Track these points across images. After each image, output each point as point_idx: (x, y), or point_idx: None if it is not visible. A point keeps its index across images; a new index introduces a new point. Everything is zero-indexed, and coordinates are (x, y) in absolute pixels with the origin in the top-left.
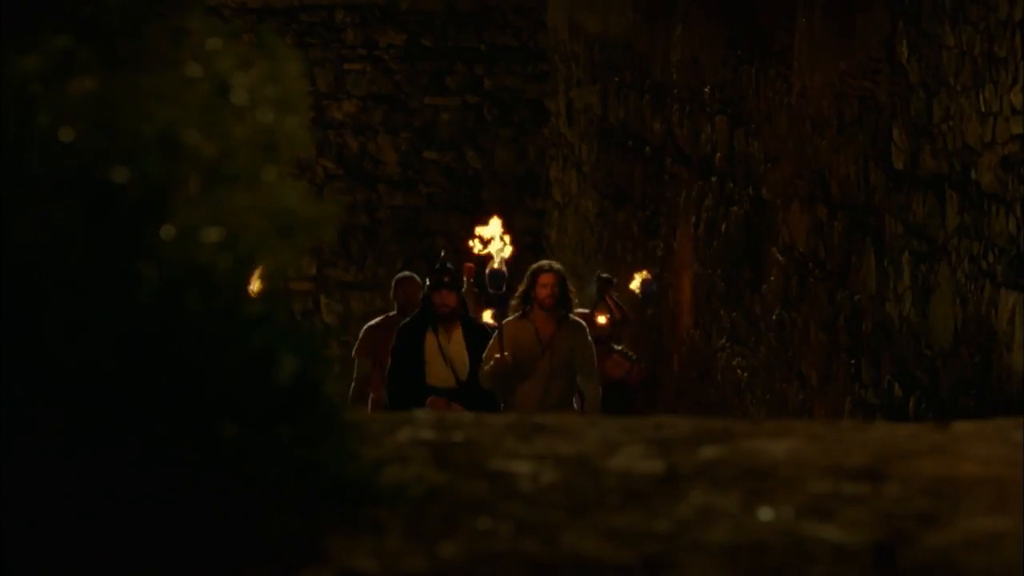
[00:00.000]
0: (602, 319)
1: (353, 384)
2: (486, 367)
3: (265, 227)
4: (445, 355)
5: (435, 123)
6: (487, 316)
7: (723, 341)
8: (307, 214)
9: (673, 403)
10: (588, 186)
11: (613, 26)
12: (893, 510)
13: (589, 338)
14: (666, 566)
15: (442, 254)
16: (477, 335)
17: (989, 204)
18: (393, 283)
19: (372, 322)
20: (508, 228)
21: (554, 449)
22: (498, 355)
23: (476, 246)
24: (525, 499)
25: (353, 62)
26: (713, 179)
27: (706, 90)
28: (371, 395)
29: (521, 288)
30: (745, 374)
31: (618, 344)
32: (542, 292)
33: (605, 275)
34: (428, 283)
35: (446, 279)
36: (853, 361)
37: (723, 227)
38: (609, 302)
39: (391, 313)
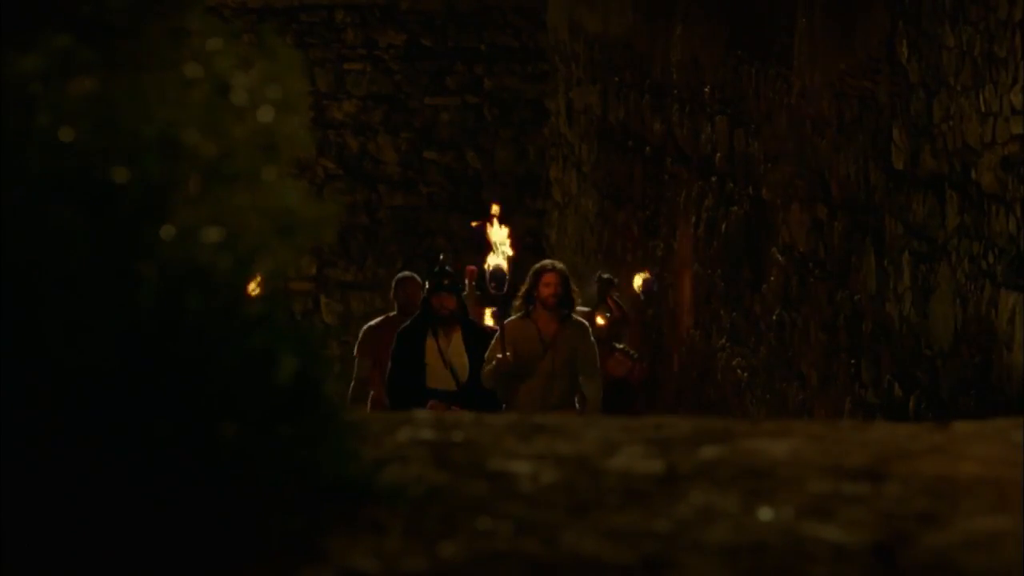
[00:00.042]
0: (601, 319)
1: (353, 383)
2: (488, 367)
3: (265, 227)
4: (445, 358)
5: (435, 123)
6: (488, 316)
7: (723, 341)
8: (307, 214)
9: (673, 403)
10: (588, 186)
11: (613, 26)
12: (893, 510)
13: (592, 338)
14: (666, 566)
15: (440, 257)
16: (477, 338)
17: (989, 204)
18: (393, 283)
19: (372, 322)
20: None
21: (554, 449)
22: (500, 355)
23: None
24: (525, 499)
25: (353, 62)
26: (713, 179)
27: (706, 90)
28: (371, 394)
29: (524, 288)
30: (745, 374)
31: (619, 343)
32: (545, 291)
33: (606, 275)
34: (427, 286)
35: (445, 282)
36: (853, 361)
37: (723, 227)
38: (610, 302)
39: (391, 313)
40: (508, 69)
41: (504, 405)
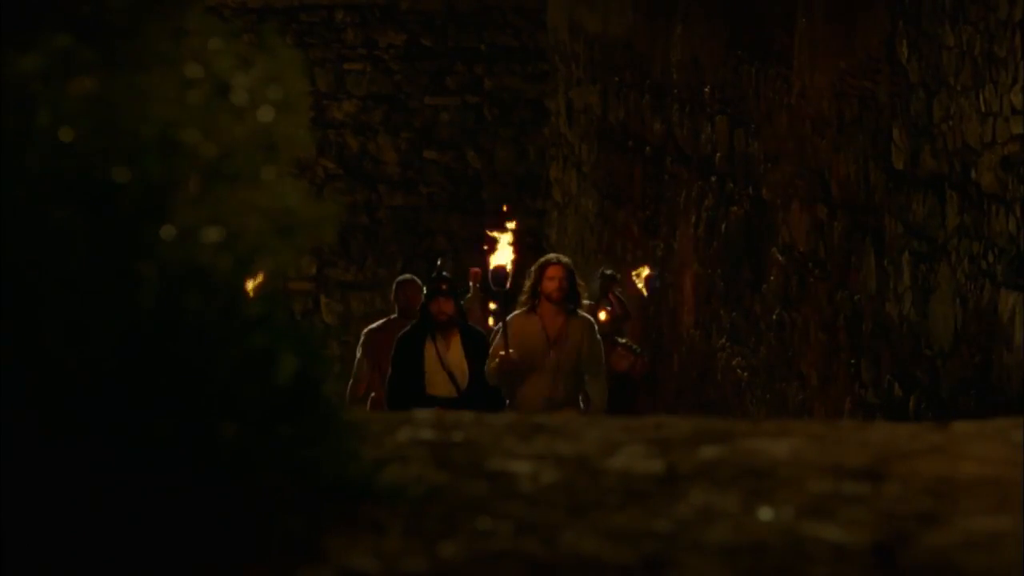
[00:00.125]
0: (602, 315)
1: (352, 382)
2: (491, 363)
3: (265, 227)
4: (444, 364)
5: (435, 123)
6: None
7: (723, 341)
8: (307, 214)
9: (673, 403)
10: (588, 186)
11: (613, 26)
12: (893, 510)
13: (598, 335)
14: (666, 566)
15: (439, 262)
16: (476, 343)
17: (989, 204)
18: (394, 286)
19: (373, 325)
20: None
21: (554, 449)
22: (503, 352)
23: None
24: (525, 499)
25: (353, 62)
26: (713, 179)
27: (706, 90)
28: (371, 395)
29: (528, 282)
30: (745, 374)
31: (621, 338)
32: (549, 285)
33: (609, 271)
34: (425, 292)
35: (443, 287)
36: (853, 361)
37: (723, 227)
38: (612, 298)
39: (392, 316)
40: (508, 69)
41: (508, 401)
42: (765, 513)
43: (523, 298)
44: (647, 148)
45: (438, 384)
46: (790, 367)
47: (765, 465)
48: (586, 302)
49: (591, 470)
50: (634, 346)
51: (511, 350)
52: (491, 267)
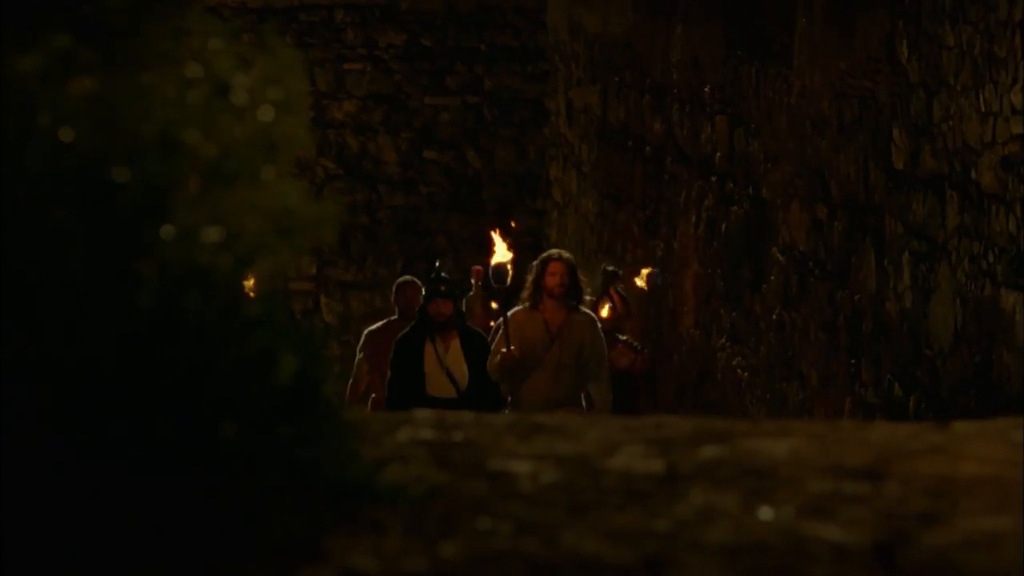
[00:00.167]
0: (604, 311)
1: (351, 382)
2: (493, 359)
3: (265, 227)
4: (443, 366)
5: (435, 123)
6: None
7: (723, 341)
8: (307, 214)
9: (673, 403)
10: (588, 186)
11: (613, 26)
12: (893, 510)
13: (601, 333)
14: (666, 566)
15: (437, 263)
16: (475, 344)
17: (989, 204)
18: (394, 287)
19: (373, 327)
20: (507, 229)
21: (554, 449)
22: (504, 349)
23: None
24: (525, 499)
25: (353, 62)
26: (713, 179)
27: (706, 90)
28: (372, 396)
29: (530, 278)
30: (745, 374)
31: (622, 335)
32: (551, 281)
33: (611, 267)
34: (424, 293)
35: (442, 288)
36: (853, 361)
37: (723, 227)
38: (613, 294)
39: (392, 318)
40: (508, 69)
41: (509, 398)
42: (765, 513)
43: (525, 294)
44: (647, 148)
45: (437, 385)
46: (790, 367)
47: (765, 465)
48: (588, 298)
49: (591, 470)
50: (635, 343)
51: (512, 347)
52: (492, 264)
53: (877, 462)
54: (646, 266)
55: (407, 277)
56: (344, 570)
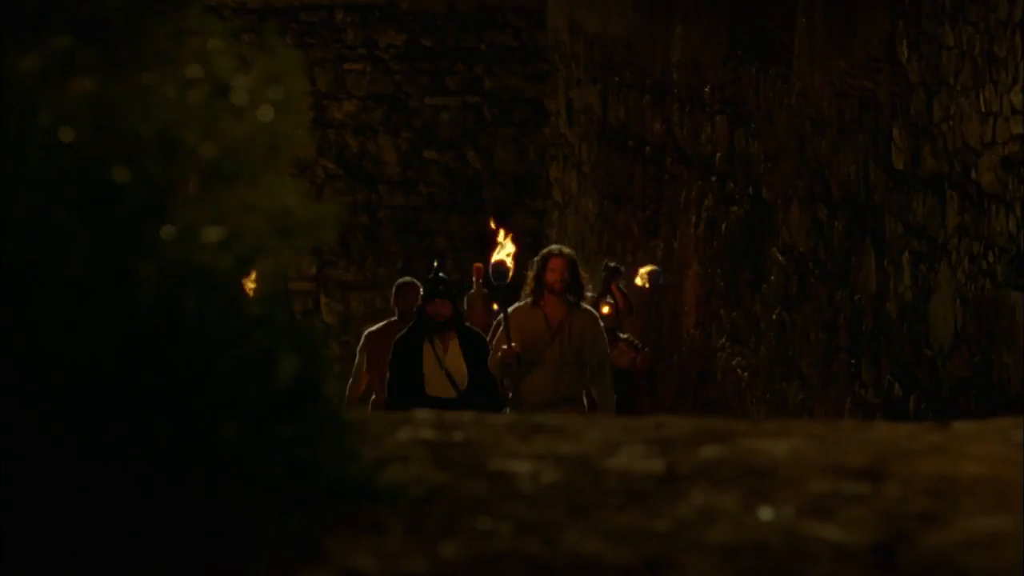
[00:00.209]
0: (605, 308)
1: (351, 382)
2: (494, 356)
3: (265, 227)
4: (442, 366)
5: (435, 123)
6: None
7: (723, 341)
8: (307, 214)
9: (673, 403)
10: (588, 186)
11: (613, 26)
12: (893, 510)
13: (603, 330)
14: (666, 566)
15: (435, 264)
16: (474, 344)
17: (989, 204)
18: (394, 289)
19: (373, 328)
20: (508, 228)
21: (554, 449)
22: (505, 346)
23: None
24: (525, 499)
25: (353, 62)
26: (713, 179)
27: (706, 90)
28: (372, 397)
29: (531, 274)
30: (745, 374)
31: (623, 333)
32: (551, 276)
33: (613, 264)
34: (422, 294)
35: (440, 288)
36: (853, 361)
37: (723, 227)
38: (615, 291)
39: (392, 319)
40: (508, 69)
41: (511, 394)
42: (765, 513)
43: (526, 290)
44: (647, 148)
45: (437, 386)
46: (790, 367)
47: (765, 465)
48: (588, 295)
49: (591, 470)
50: (636, 342)
51: (513, 344)
52: (492, 262)
53: (877, 462)
54: (646, 265)
55: (407, 278)
56: (344, 570)
